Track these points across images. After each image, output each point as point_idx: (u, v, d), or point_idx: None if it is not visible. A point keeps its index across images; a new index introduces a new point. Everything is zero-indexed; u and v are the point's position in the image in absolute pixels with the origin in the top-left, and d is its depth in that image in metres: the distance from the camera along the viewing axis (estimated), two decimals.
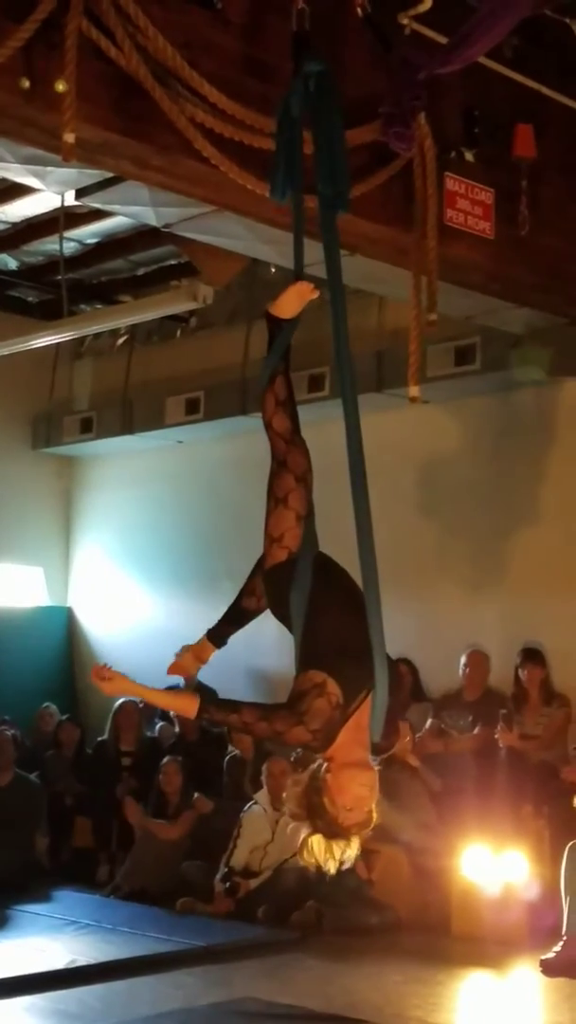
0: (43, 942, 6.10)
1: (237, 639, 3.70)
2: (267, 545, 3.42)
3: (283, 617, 3.35)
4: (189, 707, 3.17)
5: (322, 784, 3.13)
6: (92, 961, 5.74)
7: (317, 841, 3.13)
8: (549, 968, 5.65)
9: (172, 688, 3.46)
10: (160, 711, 8.53)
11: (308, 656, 3.20)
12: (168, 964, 5.78)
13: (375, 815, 3.15)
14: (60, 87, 4.03)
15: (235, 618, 3.66)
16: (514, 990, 5.61)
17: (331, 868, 3.16)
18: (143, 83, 4.29)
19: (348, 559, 3.40)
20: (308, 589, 3.28)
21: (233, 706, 3.19)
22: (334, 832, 3.11)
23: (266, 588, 3.45)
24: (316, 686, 3.10)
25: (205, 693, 3.32)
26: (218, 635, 3.68)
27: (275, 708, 3.16)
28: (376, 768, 3.17)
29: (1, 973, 5.49)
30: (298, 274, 3.73)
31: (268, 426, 3.54)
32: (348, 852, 3.15)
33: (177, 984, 5.50)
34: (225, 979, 5.58)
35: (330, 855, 3.13)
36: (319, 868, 3.17)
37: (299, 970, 5.77)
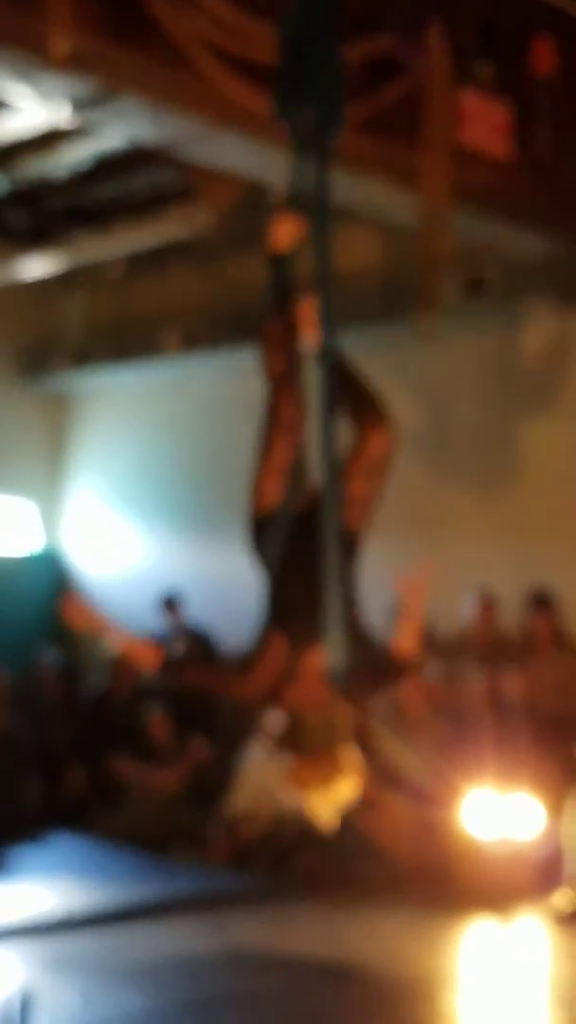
0: (37, 889, 6.06)
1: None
2: (249, 496, 3.46)
3: (257, 568, 3.42)
4: (151, 660, 3.36)
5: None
6: (87, 908, 5.71)
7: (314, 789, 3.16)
8: (565, 919, 5.61)
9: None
10: None
11: (268, 609, 3.31)
12: (166, 911, 5.76)
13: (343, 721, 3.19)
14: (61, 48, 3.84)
15: None
16: (519, 937, 5.57)
17: (327, 814, 3.22)
18: None
19: None
20: (281, 546, 3.33)
21: (189, 664, 3.58)
22: (315, 741, 3.15)
23: (246, 537, 3.47)
24: (265, 639, 3.25)
25: (170, 656, 3.61)
26: None
27: (227, 666, 3.41)
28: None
29: None
30: (295, 197, 3.61)
31: (262, 367, 3.47)
32: (341, 794, 3.18)
33: (175, 932, 5.48)
34: (224, 927, 5.56)
35: (329, 796, 3.18)
36: (319, 815, 3.22)
37: (298, 919, 5.75)
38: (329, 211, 3.54)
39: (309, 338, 3.47)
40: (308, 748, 3.16)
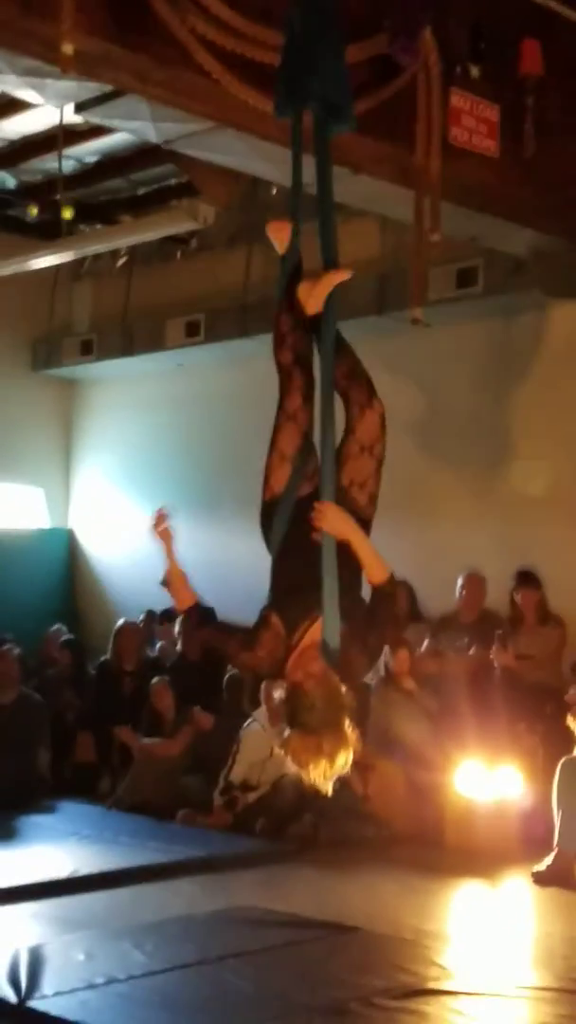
0: (47, 851, 6.21)
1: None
2: (262, 481, 3.56)
3: (267, 549, 3.56)
4: (185, 603, 3.61)
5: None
6: (95, 870, 5.83)
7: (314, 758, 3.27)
8: (541, 879, 5.78)
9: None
10: (158, 633, 8.70)
11: (270, 591, 3.48)
12: (169, 873, 5.88)
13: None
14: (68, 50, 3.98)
15: None
16: (506, 900, 5.72)
17: (327, 784, 3.32)
18: None
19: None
20: (283, 532, 3.46)
21: (205, 624, 3.64)
22: (313, 712, 3.26)
23: (260, 520, 3.58)
24: (264, 620, 3.40)
25: (200, 605, 3.63)
26: None
27: (234, 633, 3.51)
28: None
29: (7, 881, 5.59)
30: (295, 193, 3.75)
31: (274, 358, 3.59)
32: (338, 764, 3.29)
33: (178, 892, 5.60)
34: (224, 888, 5.68)
35: (327, 765, 3.27)
36: (317, 782, 3.32)
37: (296, 880, 5.88)
38: (331, 205, 3.68)
39: (312, 310, 3.57)
40: (306, 719, 3.26)
